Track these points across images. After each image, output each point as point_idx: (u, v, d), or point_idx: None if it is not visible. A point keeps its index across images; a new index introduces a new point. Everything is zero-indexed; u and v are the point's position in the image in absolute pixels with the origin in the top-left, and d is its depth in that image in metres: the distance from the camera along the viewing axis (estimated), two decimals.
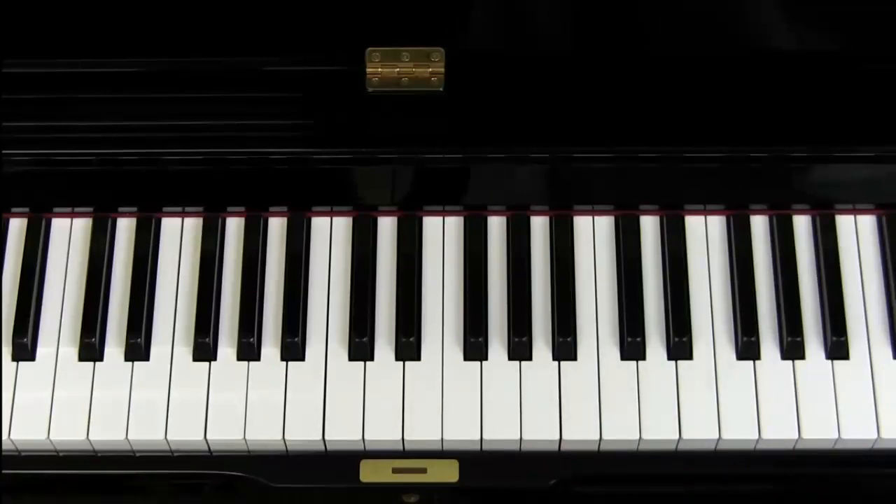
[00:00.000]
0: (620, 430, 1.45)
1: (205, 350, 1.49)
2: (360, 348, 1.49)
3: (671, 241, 1.54)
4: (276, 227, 1.56)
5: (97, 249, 1.55)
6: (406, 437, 1.46)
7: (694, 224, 1.55)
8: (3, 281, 1.53)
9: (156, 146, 1.52)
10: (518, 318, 1.50)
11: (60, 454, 1.49)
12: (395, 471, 1.46)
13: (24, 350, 1.50)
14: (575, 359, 1.49)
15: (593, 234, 1.55)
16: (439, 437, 1.46)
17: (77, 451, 1.48)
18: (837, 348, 1.49)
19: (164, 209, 1.56)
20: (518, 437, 1.46)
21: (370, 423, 1.46)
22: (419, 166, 1.54)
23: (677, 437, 1.45)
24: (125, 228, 1.56)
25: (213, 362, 1.50)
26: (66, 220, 1.57)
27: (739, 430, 1.45)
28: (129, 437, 1.46)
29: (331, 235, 1.55)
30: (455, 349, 1.50)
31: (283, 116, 1.54)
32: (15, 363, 1.50)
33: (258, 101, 1.54)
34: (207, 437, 1.46)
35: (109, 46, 1.52)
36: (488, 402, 1.47)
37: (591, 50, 1.53)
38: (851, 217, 1.55)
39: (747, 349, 1.49)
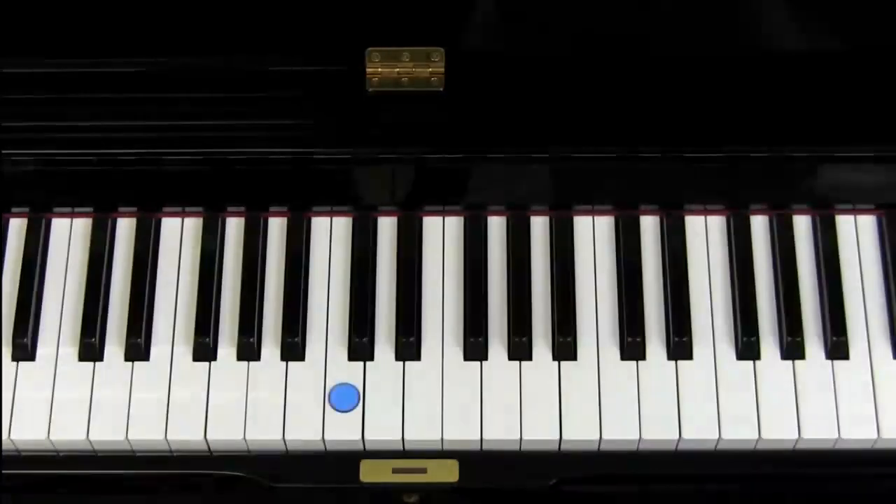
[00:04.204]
0: (620, 430, 1.45)
1: (205, 350, 1.49)
2: (360, 348, 1.49)
3: (671, 241, 1.54)
4: (276, 227, 1.56)
5: (97, 249, 1.55)
6: (406, 437, 1.46)
7: (694, 224, 1.55)
8: (3, 281, 1.53)
9: (156, 146, 1.52)
10: (518, 318, 1.50)
11: (60, 454, 1.49)
12: (395, 471, 1.46)
13: (24, 350, 1.50)
14: (575, 359, 1.49)
15: (593, 234, 1.55)
16: (439, 437, 1.46)
17: (77, 451, 1.48)
18: (837, 348, 1.49)
19: (164, 209, 1.56)
20: (518, 437, 1.45)
21: (370, 423, 1.46)
22: (419, 166, 1.54)
23: (677, 437, 1.45)
24: (125, 228, 1.56)
25: (213, 362, 1.49)
26: (66, 220, 1.57)
27: (740, 430, 1.45)
28: (129, 437, 1.46)
29: (331, 235, 1.55)
30: (455, 349, 1.50)
31: (283, 116, 1.54)
32: (15, 363, 1.50)
33: (258, 101, 1.54)
34: (207, 437, 1.46)
35: (109, 46, 1.51)
36: (488, 402, 1.47)
37: (591, 50, 1.53)
38: (851, 217, 1.55)
39: (747, 349, 1.49)
